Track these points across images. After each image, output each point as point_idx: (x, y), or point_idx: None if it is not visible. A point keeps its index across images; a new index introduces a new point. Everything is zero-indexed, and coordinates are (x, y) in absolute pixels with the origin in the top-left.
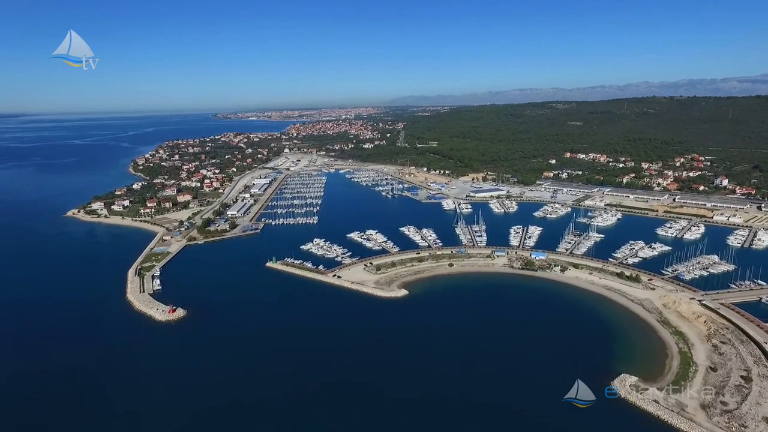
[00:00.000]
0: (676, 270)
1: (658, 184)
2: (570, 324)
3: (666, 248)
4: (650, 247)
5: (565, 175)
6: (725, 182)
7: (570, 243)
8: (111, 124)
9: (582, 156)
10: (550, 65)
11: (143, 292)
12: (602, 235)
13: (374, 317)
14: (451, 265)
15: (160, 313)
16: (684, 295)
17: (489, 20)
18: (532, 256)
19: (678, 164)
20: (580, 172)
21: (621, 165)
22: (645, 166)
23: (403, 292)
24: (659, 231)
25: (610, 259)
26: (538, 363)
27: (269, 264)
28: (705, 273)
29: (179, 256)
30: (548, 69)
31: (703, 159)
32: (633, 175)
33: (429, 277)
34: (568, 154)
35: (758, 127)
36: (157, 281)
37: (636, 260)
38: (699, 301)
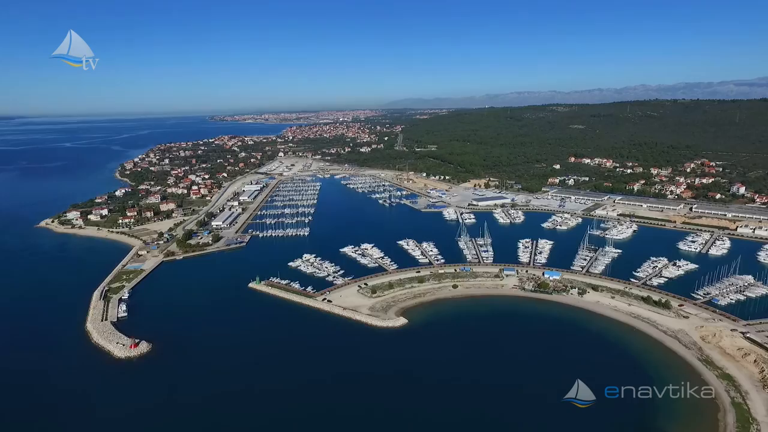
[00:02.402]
0: (708, 293)
1: (671, 192)
2: (596, 364)
3: (692, 266)
4: (674, 264)
5: (571, 182)
6: (742, 190)
7: (585, 259)
8: (106, 126)
9: (587, 161)
10: (547, 68)
11: (105, 320)
12: (619, 251)
13: (369, 352)
14: (455, 286)
15: (120, 347)
16: (723, 326)
17: (486, 23)
18: (545, 275)
19: (689, 170)
20: (587, 178)
21: (629, 170)
22: (654, 171)
23: (402, 320)
24: (681, 245)
25: (632, 279)
26: (565, 418)
27: (252, 285)
28: (742, 297)
29: (153, 275)
30: (546, 72)
31: (714, 164)
32: (643, 181)
33: (430, 302)
34: (573, 159)
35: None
36: (124, 306)
37: (661, 281)
38: (742, 333)
